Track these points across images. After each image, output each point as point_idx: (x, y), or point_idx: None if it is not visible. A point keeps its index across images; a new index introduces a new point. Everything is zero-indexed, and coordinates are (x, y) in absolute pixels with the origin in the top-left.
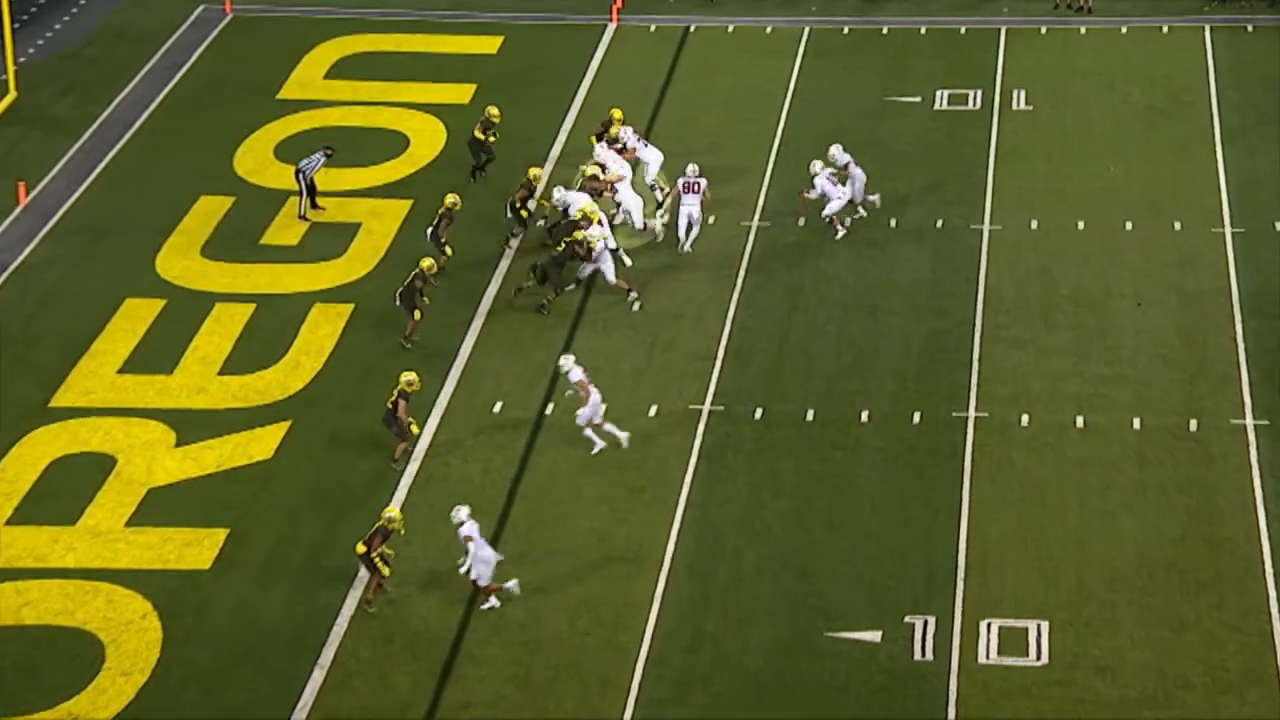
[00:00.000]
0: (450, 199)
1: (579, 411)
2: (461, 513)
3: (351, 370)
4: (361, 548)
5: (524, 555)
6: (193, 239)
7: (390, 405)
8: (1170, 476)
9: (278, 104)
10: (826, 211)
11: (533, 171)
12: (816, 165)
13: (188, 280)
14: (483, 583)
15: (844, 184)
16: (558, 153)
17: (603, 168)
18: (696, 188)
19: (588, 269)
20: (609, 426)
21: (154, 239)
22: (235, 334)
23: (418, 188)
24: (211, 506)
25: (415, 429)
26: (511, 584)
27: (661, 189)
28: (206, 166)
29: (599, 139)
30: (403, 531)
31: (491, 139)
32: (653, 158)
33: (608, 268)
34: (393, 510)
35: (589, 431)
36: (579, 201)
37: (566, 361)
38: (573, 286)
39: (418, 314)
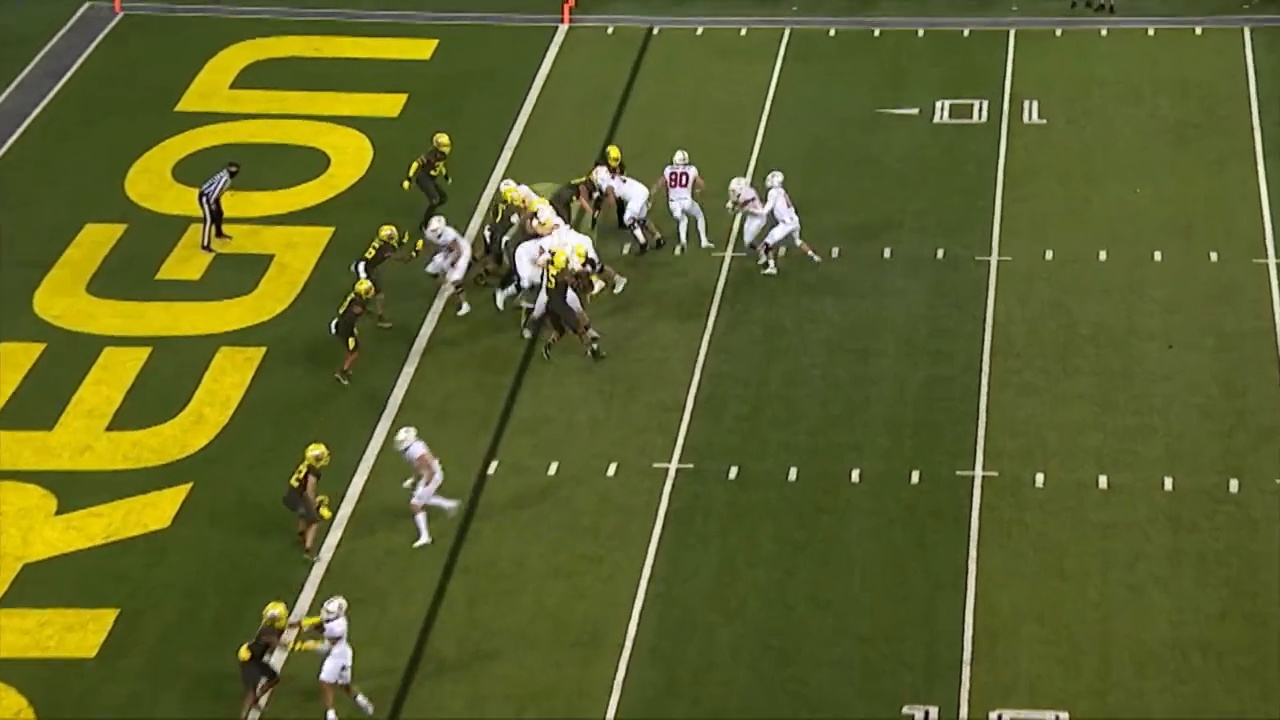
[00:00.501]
0: (386, 231)
1: (418, 491)
2: (409, 435)
3: (263, 425)
4: (295, 482)
5: (463, 637)
6: (77, 273)
7: (296, 483)
8: (1207, 544)
9: (177, 117)
10: (770, 238)
11: (384, 231)
12: (774, 178)
13: (71, 321)
14: (332, 679)
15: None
16: (499, 172)
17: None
18: (684, 179)
19: (538, 309)
20: (436, 499)
21: (32, 273)
22: (126, 383)
23: (339, 214)
24: (98, 584)
25: (326, 512)
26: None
27: (645, 229)
28: (93, 190)
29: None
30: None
31: (442, 173)
32: (636, 193)
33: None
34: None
35: (421, 518)
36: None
37: (406, 436)
38: (527, 334)
39: (352, 342)
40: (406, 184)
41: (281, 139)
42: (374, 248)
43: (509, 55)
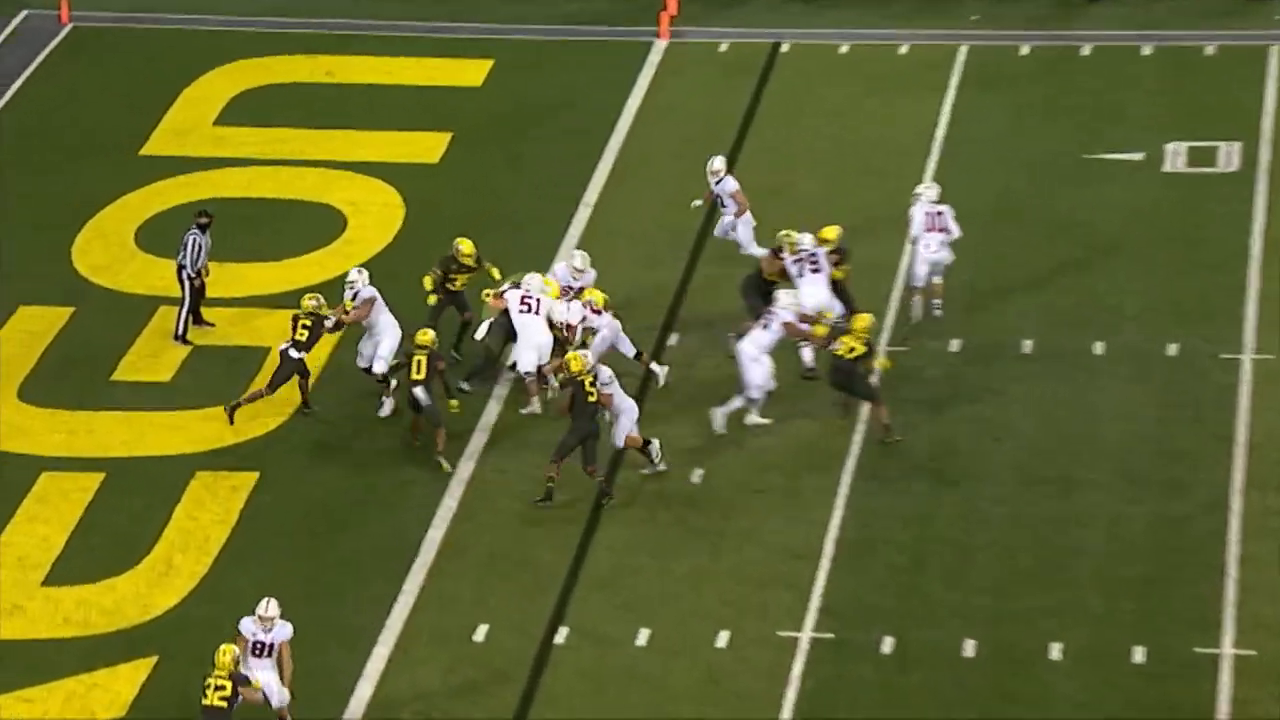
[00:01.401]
0: (309, 301)
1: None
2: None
3: (253, 577)
4: (418, 374)
5: None
6: (7, 373)
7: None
8: None
9: (142, 163)
10: (914, 277)
11: (306, 302)
12: (926, 191)
13: None
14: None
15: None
16: (572, 239)
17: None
18: (939, 222)
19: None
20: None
21: None
22: (70, 521)
23: None
24: None
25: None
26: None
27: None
28: (30, 262)
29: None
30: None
31: (460, 283)
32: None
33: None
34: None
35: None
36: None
37: (269, 609)
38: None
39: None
40: (432, 298)
41: (282, 192)
42: (304, 326)
43: (587, 81)
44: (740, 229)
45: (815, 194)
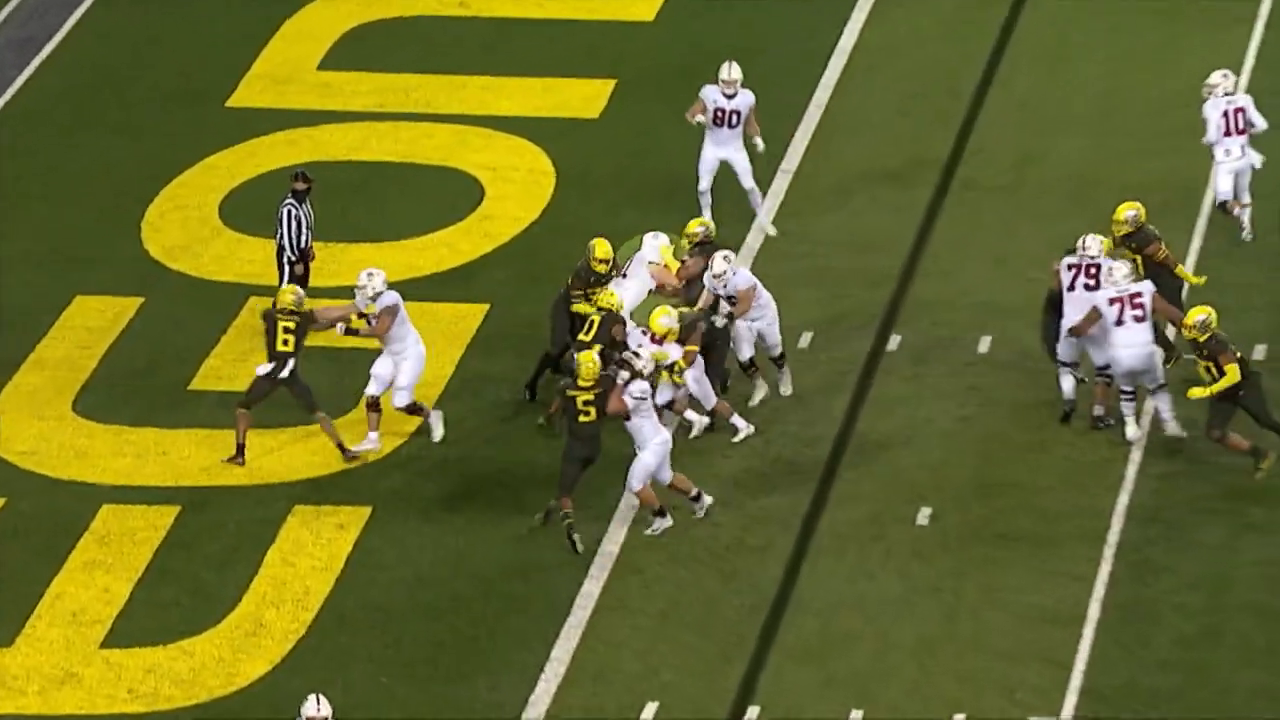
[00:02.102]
0: (289, 296)
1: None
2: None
3: (361, 639)
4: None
5: None
6: (61, 381)
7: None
8: None
9: (228, 118)
10: (1218, 190)
11: (286, 295)
12: (1218, 80)
13: (48, 459)
14: None
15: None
16: (764, 222)
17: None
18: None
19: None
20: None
21: None
22: (138, 566)
23: (498, 281)
24: None
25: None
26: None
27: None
28: (91, 241)
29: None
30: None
31: (603, 300)
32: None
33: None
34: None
35: None
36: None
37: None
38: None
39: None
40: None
41: (403, 155)
42: (287, 330)
43: (786, 16)
44: (740, 159)
45: (1080, 160)
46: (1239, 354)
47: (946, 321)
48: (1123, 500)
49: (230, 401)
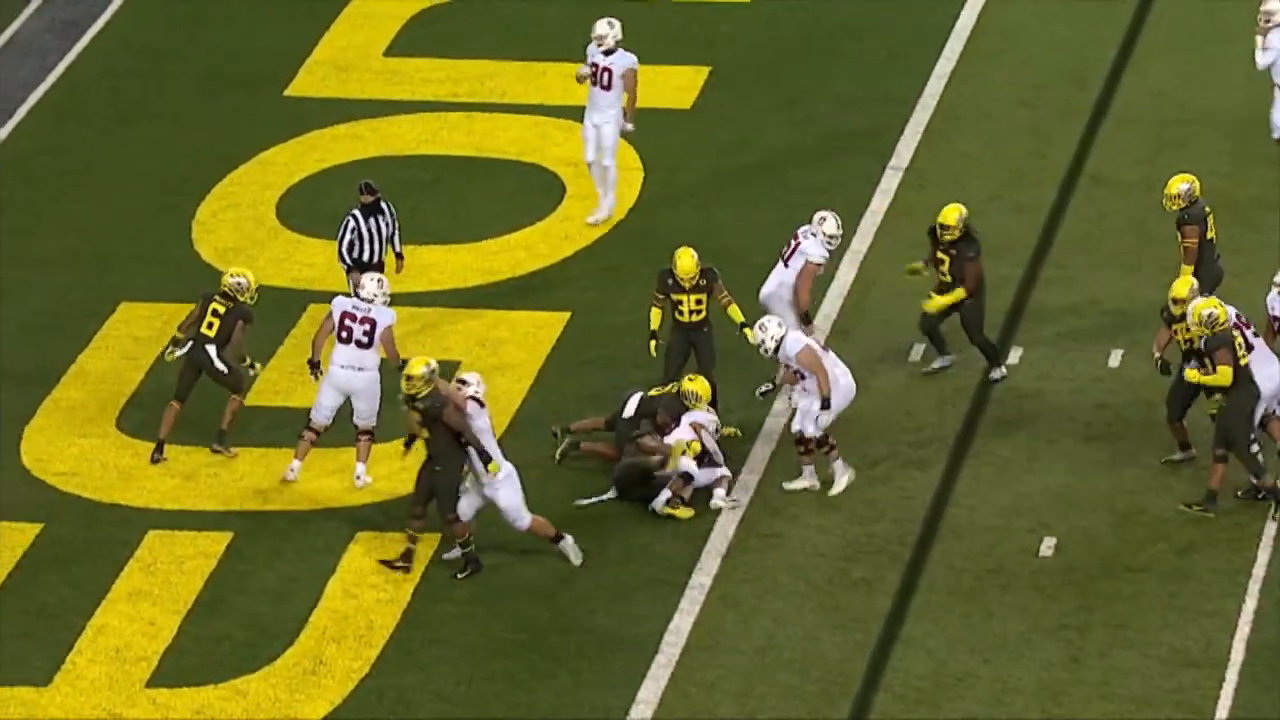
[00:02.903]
0: (230, 279)
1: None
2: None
3: (429, 677)
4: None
5: None
6: (104, 395)
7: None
8: None
9: (287, 107)
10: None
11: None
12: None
13: (89, 481)
14: None
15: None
16: (872, 222)
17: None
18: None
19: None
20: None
21: (20, 395)
22: (187, 598)
23: (581, 287)
24: None
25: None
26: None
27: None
28: (137, 241)
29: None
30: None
31: (689, 310)
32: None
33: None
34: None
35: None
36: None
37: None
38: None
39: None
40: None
41: (477, 149)
42: (215, 314)
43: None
44: (608, 131)
45: (1220, 160)
46: (1243, 359)
47: (1073, 332)
48: (1270, 530)
49: (289, 419)
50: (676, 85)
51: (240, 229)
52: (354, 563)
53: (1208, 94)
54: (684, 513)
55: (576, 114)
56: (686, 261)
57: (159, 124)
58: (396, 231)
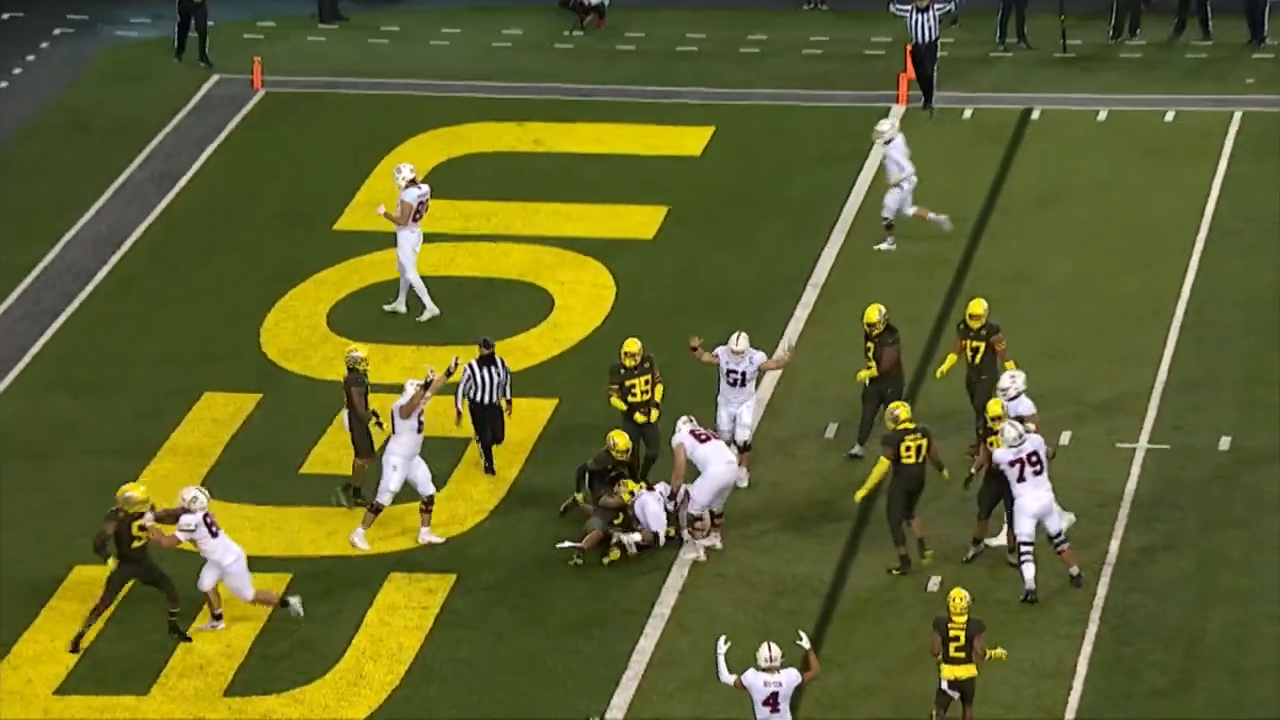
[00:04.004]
0: (352, 353)
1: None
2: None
3: (448, 689)
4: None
5: None
6: (189, 464)
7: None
8: None
9: (336, 239)
10: None
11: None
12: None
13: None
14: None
15: None
16: (798, 320)
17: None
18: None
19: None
20: None
21: (120, 465)
22: (257, 624)
23: (566, 379)
24: None
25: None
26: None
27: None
28: (218, 343)
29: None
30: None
31: (640, 391)
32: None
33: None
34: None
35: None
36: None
37: None
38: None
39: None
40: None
41: (484, 271)
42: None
43: (817, 151)
44: (404, 244)
45: (1066, 280)
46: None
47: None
48: (1106, 572)
49: (335, 484)
50: (640, 221)
51: (298, 334)
52: (387, 597)
53: (1055, 233)
54: (613, 555)
55: (562, 243)
56: (633, 344)
57: (236, 253)
58: (508, 381)
